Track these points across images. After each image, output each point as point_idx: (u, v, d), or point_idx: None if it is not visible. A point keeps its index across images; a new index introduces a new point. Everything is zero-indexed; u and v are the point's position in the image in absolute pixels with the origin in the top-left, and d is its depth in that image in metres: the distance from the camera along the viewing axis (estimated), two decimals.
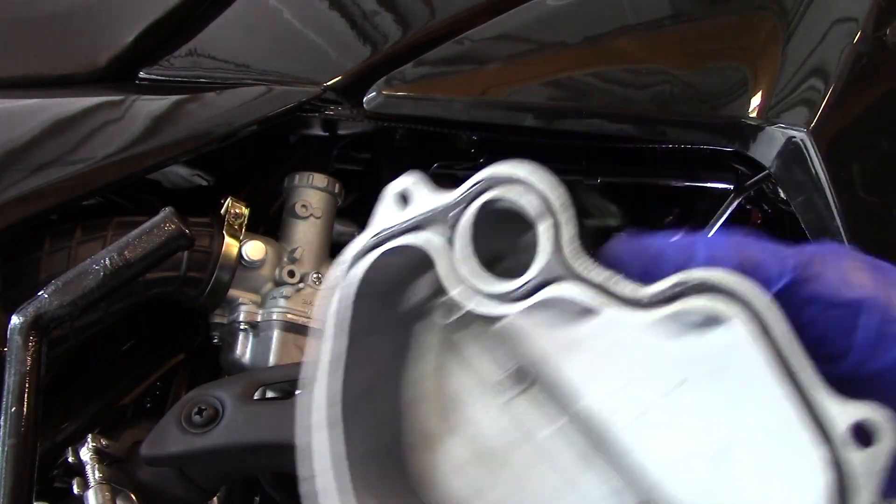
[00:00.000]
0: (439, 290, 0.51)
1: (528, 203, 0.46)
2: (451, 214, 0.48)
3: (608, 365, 0.47)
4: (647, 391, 0.46)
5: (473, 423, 0.50)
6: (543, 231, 0.45)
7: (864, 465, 0.37)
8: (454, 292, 0.47)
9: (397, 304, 0.52)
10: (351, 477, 0.46)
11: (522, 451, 0.48)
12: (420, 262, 0.50)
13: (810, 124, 0.97)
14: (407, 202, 0.50)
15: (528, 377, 0.49)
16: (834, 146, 0.99)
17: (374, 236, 0.50)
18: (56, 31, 0.96)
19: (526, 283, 0.46)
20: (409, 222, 0.49)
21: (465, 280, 0.47)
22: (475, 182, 0.48)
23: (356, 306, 0.50)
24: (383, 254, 0.50)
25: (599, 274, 0.44)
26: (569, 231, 0.45)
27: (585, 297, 0.44)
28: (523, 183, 0.47)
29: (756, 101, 1.00)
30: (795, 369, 0.39)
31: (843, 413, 0.38)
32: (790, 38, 1.02)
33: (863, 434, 0.37)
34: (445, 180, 1.23)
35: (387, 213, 0.50)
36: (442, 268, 0.48)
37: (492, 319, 0.51)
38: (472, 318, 0.51)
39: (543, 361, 0.49)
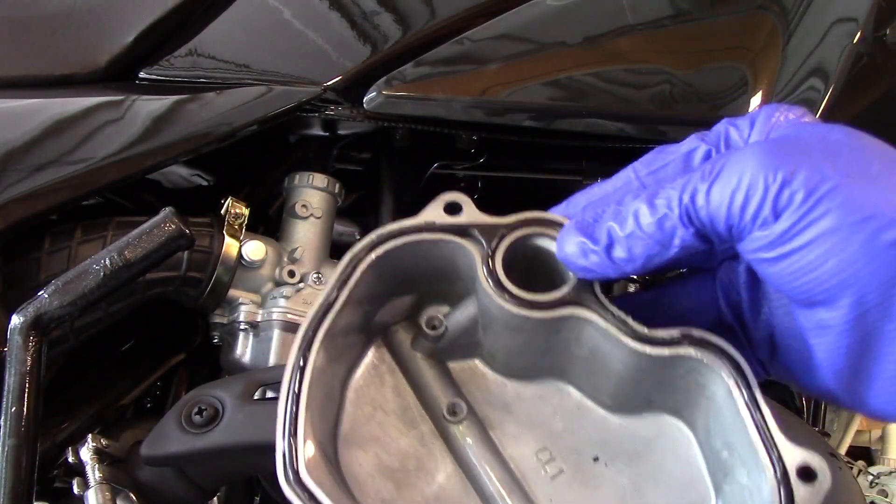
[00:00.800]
0: (414, 314, 0.58)
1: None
2: (498, 231, 0.53)
3: (536, 428, 0.55)
4: (563, 457, 0.54)
5: (388, 439, 0.54)
6: None
7: (808, 495, 0.46)
8: (482, 279, 0.51)
9: (373, 315, 0.57)
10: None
11: (426, 481, 0.54)
12: (423, 273, 0.55)
13: None
14: (456, 212, 0.54)
15: (459, 415, 0.55)
16: None
17: (418, 224, 0.53)
18: (56, 31, 0.96)
19: (556, 297, 0.51)
20: (456, 225, 0.53)
21: (499, 279, 0.51)
22: (522, 217, 0.54)
23: (363, 278, 0.53)
24: (407, 246, 0.53)
25: (617, 310, 0.51)
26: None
27: (603, 323, 0.50)
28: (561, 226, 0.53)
29: (756, 101, 1.00)
30: (764, 416, 0.48)
31: (794, 455, 0.47)
32: (790, 38, 1.02)
33: (807, 473, 0.46)
34: (445, 180, 1.23)
35: (434, 213, 0.54)
36: (479, 260, 0.52)
37: (458, 354, 0.57)
38: (440, 348, 0.57)
39: (485, 405, 0.56)
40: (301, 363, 0.50)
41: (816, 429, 1.45)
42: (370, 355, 0.57)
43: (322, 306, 0.52)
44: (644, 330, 0.50)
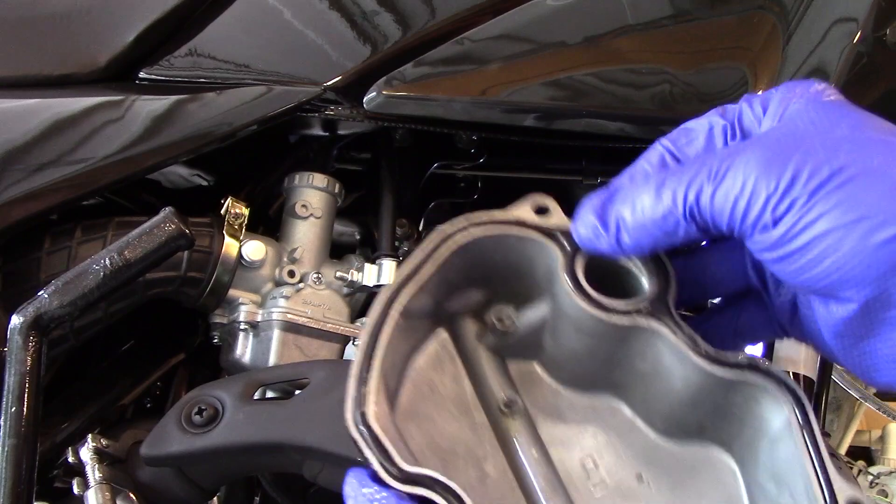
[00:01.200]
0: (481, 309, 0.59)
1: (646, 260, 0.54)
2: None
3: (585, 438, 0.56)
4: (607, 469, 0.55)
5: (442, 421, 0.55)
6: (655, 282, 0.53)
7: None
8: (563, 279, 0.53)
9: (444, 301, 0.58)
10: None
11: (473, 467, 0.55)
12: (501, 268, 0.56)
13: None
14: (544, 213, 0.55)
15: (513, 411, 0.56)
16: None
17: (508, 218, 0.55)
18: (56, 31, 0.96)
19: (632, 306, 0.52)
20: (545, 226, 0.55)
21: (580, 280, 0.53)
22: None
23: (447, 258, 0.54)
24: (495, 237, 0.55)
25: (688, 328, 0.52)
26: (674, 293, 0.53)
27: (674, 338, 0.51)
28: None
29: None
30: (821, 450, 0.49)
31: (846, 493, 0.47)
32: (790, 38, 1.02)
33: None
34: (445, 180, 1.23)
35: (523, 211, 0.55)
36: (561, 263, 0.53)
37: (520, 354, 0.58)
38: (503, 344, 0.58)
39: (537, 408, 0.57)
40: (382, 318, 0.52)
41: None
42: (435, 340, 0.58)
43: (409, 271, 0.53)
44: (712, 350, 0.51)
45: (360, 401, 0.49)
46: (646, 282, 0.54)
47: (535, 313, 0.57)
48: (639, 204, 0.51)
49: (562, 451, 0.56)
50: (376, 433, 0.47)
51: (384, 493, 0.47)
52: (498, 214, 0.55)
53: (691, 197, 0.50)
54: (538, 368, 0.59)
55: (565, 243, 0.54)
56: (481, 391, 0.57)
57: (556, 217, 0.55)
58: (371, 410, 0.48)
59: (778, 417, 0.50)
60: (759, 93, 0.58)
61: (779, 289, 0.58)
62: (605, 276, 0.54)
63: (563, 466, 0.55)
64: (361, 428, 0.48)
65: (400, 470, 0.47)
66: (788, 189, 0.47)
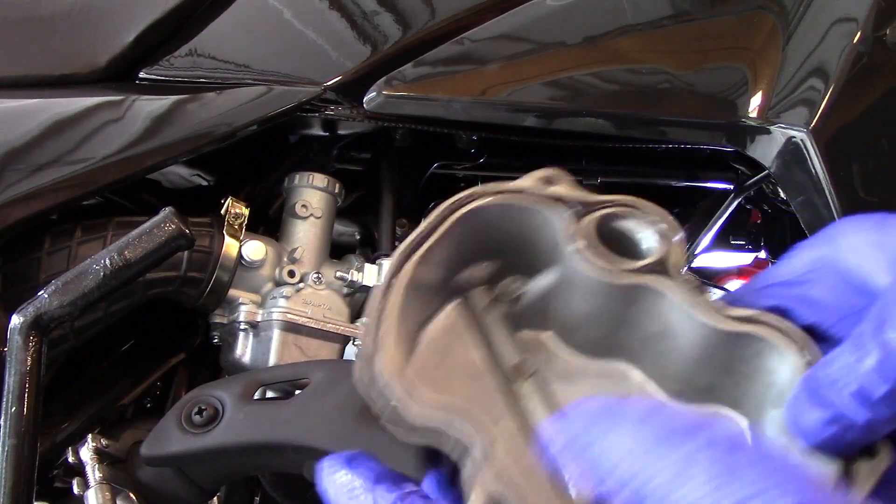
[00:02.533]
0: (493, 280, 0.59)
1: (652, 224, 0.54)
2: (591, 204, 0.55)
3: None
4: None
5: (451, 387, 0.56)
6: (661, 242, 0.54)
7: (868, 471, 0.46)
8: (571, 247, 0.54)
9: (455, 275, 0.58)
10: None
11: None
12: (509, 240, 0.57)
13: (810, 124, 0.97)
14: (550, 183, 0.56)
15: (524, 375, 0.56)
16: (834, 146, 0.99)
17: (514, 188, 0.55)
18: (56, 31, 0.96)
19: (640, 265, 0.53)
20: (551, 194, 0.55)
21: (588, 243, 0.53)
22: (616, 197, 0.55)
23: (455, 228, 0.55)
24: (500, 206, 0.55)
25: (695, 285, 0.52)
26: (679, 253, 0.54)
27: (680, 295, 0.52)
28: (651, 215, 0.55)
29: (756, 101, 1.00)
30: None
31: None
32: (790, 38, 1.02)
33: (868, 450, 0.46)
34: (445, 180, 1.23)
35: (529, 182, 0.55)
36: (563, 229, 0.54)
37: (532, 323, 0.59)
38: (515, 314, 0.58)
39: (549, 373, 0.57)
40: (389, 284, 0.52)
41: None
42: (447, 313, 0.59)
43: (414, 241, 0.54)
44: (719, 305, 0.51)
45: (375, 349, 0.50)
46: (651, 244, 0.54)
47: (545, 280, 0.58)
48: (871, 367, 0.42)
49: None
50: (388, 380, 0.49)
51: (359, 481, 0.49)
52: (503, 185, 0.55)
53: None
54: (551, 336, 0.59)
55: (578, 204, 0.54)
56: (493, 357, 0.57)
57: (563, 185, 0.55)
58: (385, 359, 0.49)
59: (785, 369, 0.50)
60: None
61: None
62: (607, 242, 0.55)
63: None
64: (375, 374, 0.49)
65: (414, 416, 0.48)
66: None
